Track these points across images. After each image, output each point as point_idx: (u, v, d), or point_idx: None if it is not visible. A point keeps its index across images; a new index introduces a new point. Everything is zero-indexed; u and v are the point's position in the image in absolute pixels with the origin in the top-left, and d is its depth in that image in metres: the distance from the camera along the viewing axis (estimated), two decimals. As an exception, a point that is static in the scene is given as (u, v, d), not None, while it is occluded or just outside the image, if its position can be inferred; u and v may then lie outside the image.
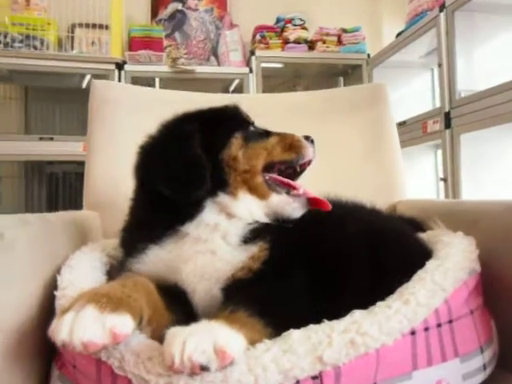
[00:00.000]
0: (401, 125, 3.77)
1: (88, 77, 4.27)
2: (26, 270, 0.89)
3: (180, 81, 4.37)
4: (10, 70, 4.09)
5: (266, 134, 1.12)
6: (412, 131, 3.65)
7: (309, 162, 1.13)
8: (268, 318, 0.81)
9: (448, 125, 3.24)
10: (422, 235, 1.23)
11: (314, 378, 0.74)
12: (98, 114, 1.68)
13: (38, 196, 4.37)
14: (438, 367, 0.84)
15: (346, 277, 0.98)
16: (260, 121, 1.74)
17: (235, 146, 1.03)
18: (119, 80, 4.11)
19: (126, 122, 1.67)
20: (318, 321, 0.82)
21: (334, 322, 0.80)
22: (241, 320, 0.79)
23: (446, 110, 3.27)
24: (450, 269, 0.92)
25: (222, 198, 1.00)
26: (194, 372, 0.66)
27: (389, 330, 0.80)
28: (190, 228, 0.97)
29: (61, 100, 4.42)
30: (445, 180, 3.33)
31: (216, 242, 0.96)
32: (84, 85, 4.35)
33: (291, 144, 1.10)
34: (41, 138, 3.92)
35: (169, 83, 4.45)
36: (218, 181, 0.99)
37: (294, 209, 1.03)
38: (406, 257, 1.01)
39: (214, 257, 0.95)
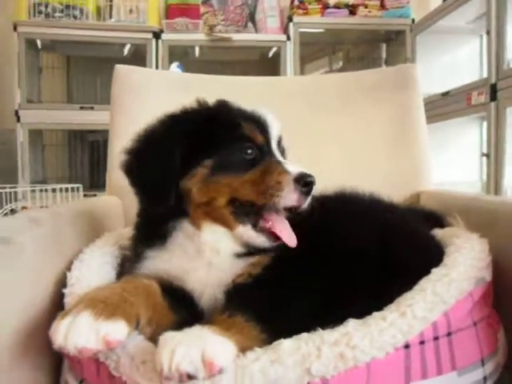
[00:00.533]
0: (444, 95, 3.61)
1: (128, 46, 4.31)
2: (36, 270, 0.92)
3: (217, 49, 4.33)
4: (52, 40, 4.17)
5: (250, 162, 0.98)
6: (455, 102, 3.49)
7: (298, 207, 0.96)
8: (265, 323, 0.82)
9: (494, 97, 3.09)
10: (439, 232, 1.20)
11: (302, 389, 0.75)
12: (120, 100, 1.69)
13: (81, 163, 4.52)
14: (432, 380, 0.83)
15: (352, 279, 0.97)
16: (280, 105, 1.72)
17: (196, 177, 0.95)
18: (156, 49, 4.11)
19: (149, 107, 1.67)
20: (320, 325, 0.82)
21: (326, 333, 0.80)
22: (236, 325, 0.81)
23: (493, 81, 3.10)
24: (454, 279, 0.90)
25: (186, 226, 0.98)
26: (182, 380, 0.69)
27: (381, 343, 0.79)
28: (174, 244, 0.98)
29: (102, 69, 4.48)
30: (487, 156, 3.19)
31: (207, 257, 0.97)
32: (125, 54, 4.39)
33: (268, 186, 0.93)
34: (81, 108, 4.02)
35: (206, 52, 4.43)
36: (180, 208, 0.97)
37: (260, 241, 0.96)
38: (417, 260, 0.99)
39: (212, 268, 0.96)
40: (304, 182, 0.93)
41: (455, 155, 3.73)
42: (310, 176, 0.94)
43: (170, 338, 0.72)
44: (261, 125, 1.02)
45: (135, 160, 1.00)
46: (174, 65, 4.14)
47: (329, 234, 1.01)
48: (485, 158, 3.27)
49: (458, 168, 3.68)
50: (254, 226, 0.95)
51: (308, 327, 0.83)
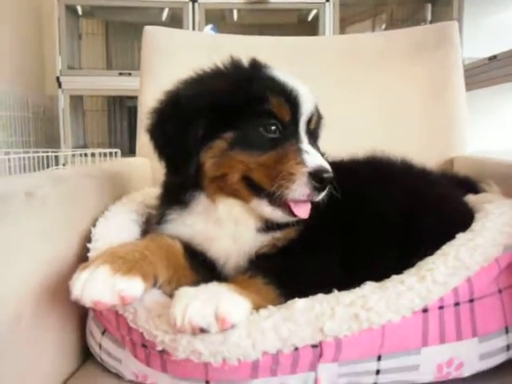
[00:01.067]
0: (491, 59, 3.41)
1: (166, 10, 4.28)
2: (60, 224, 0.95)
3: (254, 12, 4.23)
4: (91, 5, 4.19)
5: (270, 142, 0.91)
6: (503, 67, 3.29)
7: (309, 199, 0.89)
8: (284, 288, 0.83)
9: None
10: (472, 198, 1.15)
11: (314, 346, 0.76)
12: (149, 62, 1.68)
13: (120, 128, 4.58)
14: (451, 345, 0.81)
15: (376, 246, 0.96)
16: (310, 66, 1.66)
17: (213, 150, 0.91)
18: (193, 13, 4.07)
19: (177, 68, 1.64)
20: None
21: (342, 294, 0.80)
22: (255, 286, 0.81)
23: (546, 42, 2.90)
24: (480, 245, 0.87)
25: (202, 199, 0.96)
26: (195, 333, 0.70)
27: (398, 307, 0.78)
28: (195, 211, 0.97)
29: (140, 35, 4.43)
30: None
31: (228, 229, 0.96)
32: (163, 19, 4.37)
33: (280, 175, 0.86)
34: (120, 74, 4.05)
35: (243, 15, 4.34)
36: (197, 180, 0.94)
37: (275, 216, 0.91)
38: (443, 227, 0.96)
39: (235, 240, 0.96)
40: (319, 178, 0.86)
41: (501, 123, 3.55)
42: (326, 172, 0.86)
43: (184, 293, 0.74)
44: (291, 101, 0.93)
45: (158, 124, 0.97)
46: (208, 27, 4.07)
47: (355, 201, 0.99)
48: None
49: (504, 136, 3.50)
50: (270, 201, 0.89)
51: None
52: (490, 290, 0.86)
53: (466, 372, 0.84)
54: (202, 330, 0.69)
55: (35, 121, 3.75)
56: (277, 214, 0.90)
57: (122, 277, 0.76)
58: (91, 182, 1.10)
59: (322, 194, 0.89)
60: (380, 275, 0.85)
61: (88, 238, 0.99)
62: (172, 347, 0.76)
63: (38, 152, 2.83)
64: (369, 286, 0.81)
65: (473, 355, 0.84)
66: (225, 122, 0.91)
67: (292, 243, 0.94)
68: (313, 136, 0.99)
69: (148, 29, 1.74)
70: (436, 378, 0.83)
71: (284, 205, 0.89)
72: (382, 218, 0.99)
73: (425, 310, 0.80)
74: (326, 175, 0.86)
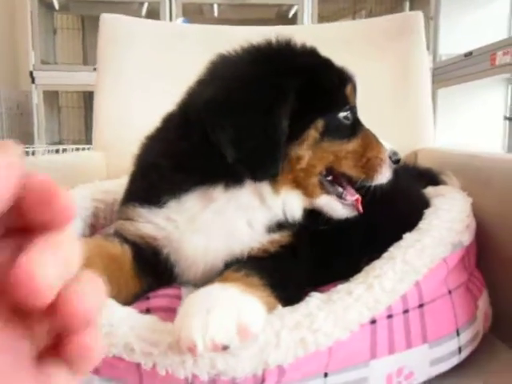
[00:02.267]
0: (467, 56, 3.37)
1: (145, 5, 4.16)
2: None
3: (233, 7, 4.14)
4: (66, -1, 4.06)
5: (351, 129, 0.86)
6: (479, 63, 3.25)
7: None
8: (280, 292, 0.74)
9: (520, 57, 2.86)
10: (430, 191, 1.11)
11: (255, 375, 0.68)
12: (106, 53, 1.57)
13: (98, 124, 4.46)
14: (400, 355, 0.75)
15: (343, 245, 0.90)
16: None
17: (308, 141, 0.80)
18: (170, 8, 3.95)
19: (136, 60, 1.55)
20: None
21: (286, 313, 0.71)
22: (253, 287, 0.71)
23: (519, 39, 2.87)
24: (427, 246, 0.80)
25: (263, 186, 0.81)
26: (215, 350, 0.60)
27: (345, 322, 0.71)
28: (220, 196, 0.81)
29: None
30: (510, 119, 3.01)
31: (238, 224, 0.84)
32: (143, 13, 4.24)
33: (369, 161, 0.85)
34: (95, 69, 3.93)
35: (222, 10, 4.24)
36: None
37: (342, 213, 0.87)
38: (398, 222, 0.90)
39: (231, 236, 0.84)
40: (395, 160, 0.88)
41: (477, 119, 3.53)
42: (398, 153, 0.89)
43: (194, 307, 0.63)
44: (354, 86, 0.89)
45: (227, 114, 0.77)
46: (180, 20, 3.96)
47: None
48: (508, 122, 3.08)
49: (479, 132, 3.48)
50: (340, 197, 0.85)
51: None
52: (439, 292, 0.80)
53: (417, 380, 0.78)
54: (224, 348, 0.60)
55: (9, 117, 3.62)
56: (344, 211, 0.86)
57: None
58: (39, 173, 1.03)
59: None
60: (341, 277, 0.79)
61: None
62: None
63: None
64: (315, 300, 0.73)
65: (423, 362, 0.77)
66: (310, 108, 0.81)
67: (283, 248, 0.85)
68: None
69: (105, 17, 1.63)
70: (386, 388, 0.78)
71: (352, 202, 0.86)
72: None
73: (372, 322, 0.73)
74: (399, 156, 0.89)
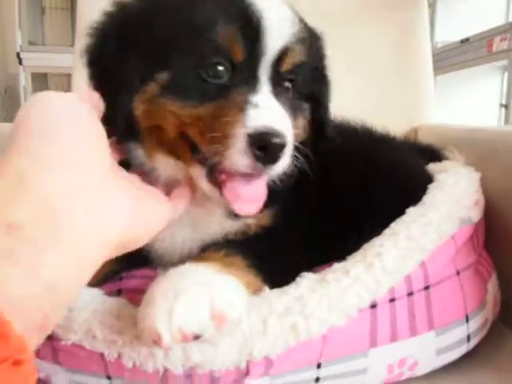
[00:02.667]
0: (463, 42, 3.25)
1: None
2: None
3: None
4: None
5: (212, 90, 0.63)
6: (475, 50, 3.13)
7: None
8: (265, 273, 0.64)
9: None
10: (432, 167, 1.01)
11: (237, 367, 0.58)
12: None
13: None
14: (403, 343, 0.66)
15: (341, 222, 0.79)
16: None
17: (145, 95, 0.64)
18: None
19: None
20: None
21: (274, 295, 0.61)
22: (235, 267, 0.61)
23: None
24: (433, 221, 0.71)
25: (138, 152, 0.69)
26: (185, 341, 0.51)
27: (342, 307, 0.61)
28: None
29: (107, 10, 4.18)
30: (505, 106, 2.91)
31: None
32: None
33: (213, 137, 0.60)
34: (85, 50, 3.79)
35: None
36: (131, 128, 0.67)
37: (208, 191, 0.65)
38: (398, 198, 0.79)
39: (201, 225, 0.73)
40: (261, 145, 0.58)
41: (473, 106, 3.43)
42: (274, 136, 0.58)
43: (160, 291, 0.53)
44: (249, 31, 0.63)
45: (98, 46, 0.68)
46: None
47: (316, 174, 0.81)
48: (503, 109, 2.99)
49: (475, 119, 3.37)
50: (209, 174, 0.63)
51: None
52: (446, 272, 0.71)
53: (421, 371, 0.69)
54: (196, 337, 0.51)
55: (-4, 100, 3.50)
56: (211, 190, 0.64)
57: None
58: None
59: (275, 169, 0.61)
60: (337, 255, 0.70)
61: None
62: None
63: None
64: (306, 282, 0.63)
65: (429, 351, 0.68)
66: (161, 59, 0.64)
67: (266, 229, 0.74)
68: (286, 83, 0.69)
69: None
70: (386, 379, 0.68)
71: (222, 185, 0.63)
72: (341, 191, 0.81)
73: (373, 306, 0.64)
74: (273, 140, 0.58)
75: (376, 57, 1.51)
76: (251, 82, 0.63)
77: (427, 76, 1.55)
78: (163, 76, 0.64)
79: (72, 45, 4.10)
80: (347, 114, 0.97)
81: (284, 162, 0.62)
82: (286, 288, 0.63)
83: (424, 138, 1.33)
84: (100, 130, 0.54)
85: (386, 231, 0.70)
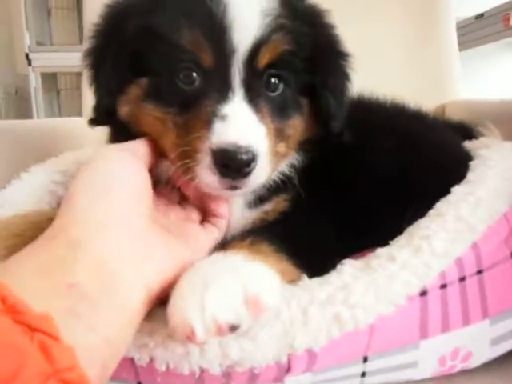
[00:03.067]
0: (478, 18, 3.14)
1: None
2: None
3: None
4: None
5: (185, 97, 0.60)
6: (490, 25, 3.03)
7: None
8: (295, 257, 0.59)
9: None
10: (468, 145, 0.94)
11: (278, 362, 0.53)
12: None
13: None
14: (456, 333, 0.60)
15: (375, 205, 0.74)
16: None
17: (128, 96, 0.64)
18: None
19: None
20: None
21: (316, 285, 0.56)
22: (263, 254, 0.56)
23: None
24: (483, 198, 0.65)
25: None
26: (221, 334, 0.46)
27: (389, 295, 0.55)
28: None
29: (113, 7, 4.14)
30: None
31: None
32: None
33: (183, 151, 0.58)
34: (93, 49, 3.75)
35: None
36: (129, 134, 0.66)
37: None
38: (442, 178, 0.73)
39: None
40: (223, 164, 0.55)
41: (488, 84, 3.33)
42: (236, 153, 0.54)
43: (188, 283, 0.49)
44: (215, 30, 0.58)
45: (97, 48, 0.68)
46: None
47: (344, 155, 0.75)
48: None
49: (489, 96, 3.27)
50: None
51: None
52: (500, 255, 0.64)
53: (475, 362, 0.63)
54: (233, 329, 0.46)
55: (8, 101, 3.47)
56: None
57: None
58: (13, 140, 0.88)
59: (250, 183, 0.58)
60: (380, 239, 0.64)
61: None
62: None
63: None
64: (349, 269, 0.58)
65: (482, 340, 0.62)
66: (141, 64, 0.62)
67: (285, 215, 0.70)
68: (273, 80, 0.63)
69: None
70: (437, 373, 0.62)
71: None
72: (375, 173, 0.76)
73: (423, 293, 0.57)
74: (237, 156, 0.54)
75: (397, 30, 1.43)
76: (222, 88, 0.59)
77: (452, 51, 1.46)
78: (144, 81, 0.63)
79: (80, 43, 4.10)
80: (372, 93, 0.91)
81: (259, 174, 0.58)
82: (326, 276, 0.58)
83: (453, 115, 1.26)
84: (147, 185, 0.57)
85: (431, 212, 0.64)
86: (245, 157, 0.55)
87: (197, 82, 0.60)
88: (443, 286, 0.59)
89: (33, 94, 3.49)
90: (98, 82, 0.67)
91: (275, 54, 0.61)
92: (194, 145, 0.56)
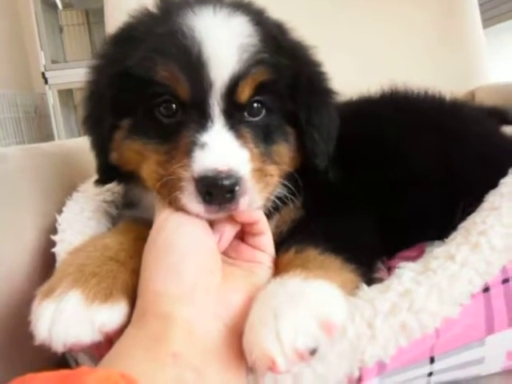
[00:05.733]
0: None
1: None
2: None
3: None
4: (67, -5, 3.89)
5: (168, 130, 0.61)
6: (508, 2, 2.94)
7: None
8: (342, 253, 0.58)
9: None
10: (509, 131, 0.91)
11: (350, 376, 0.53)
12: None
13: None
14: (522, 326, 0.59)
15: (416, 204, 0.73)
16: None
17: (115, 142, 0.66)
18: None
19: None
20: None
21: (377, 294, 0.55)
22: (315, 261, 0.56)
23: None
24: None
25: (135, 191, 0.74)
26: (304, 359, 0.46)
27: (453, 296, 0.54)
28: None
29: (122, 20, 4.16)
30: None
31: None
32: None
33: (168, 181, 0.58)
34: (105, 63, 3.77)
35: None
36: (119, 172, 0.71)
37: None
38: (490, 172, 0.71)
39: None
40: (207, 191, 0.55)
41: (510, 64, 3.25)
42: (218, 179, 0.54)
43: (261, 318, 0.48)
44: (191, 65, 0.59)
45: (86, 98, 0.71)
46: None
47: (378, 153, 0.75)
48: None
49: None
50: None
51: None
52: None
53: (543, 355, 0.63)
54: (312, 352, 0.46)
55: (27, 120, 3.49)
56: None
57: (100, 306, 0.53)
58: (43, 162, 0.89)
59: (238, 206, 0.57)
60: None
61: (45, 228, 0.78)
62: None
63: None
64: (408, 273, 0.57)
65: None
66: (125, 106, 0.64)
67: (304, 219, 0.68)
68: (255, 105, 0.63)
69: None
70: (505, 367, 0.62)
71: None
72: (415, 170, 0.75)
73: (486, 289, 0.57)
74: (218, 182, 0.54)
75: (422, 22, 1.40)
76: (201, 119, 0.59)
77: (476, 34, 1.43)
78: (127, 121, 0.64)
79: (93, 58, 4.13)
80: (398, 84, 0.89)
81: (247, 197, 0.57)
82: (386, 283, 0.57)
83: (484, 101, 1.22)
84: (214, 247, 0.58)
85: (484, 206, 0.63)
86: (226, 182, 0.54)
87: (177, 114, 0.61)
88: (505, 281, 0.58)
89: (52, 112, 3.52)
90: (94, 145, 0.70)
91: (255, 85, 0.61)
92: (176, 174, 0.56)
